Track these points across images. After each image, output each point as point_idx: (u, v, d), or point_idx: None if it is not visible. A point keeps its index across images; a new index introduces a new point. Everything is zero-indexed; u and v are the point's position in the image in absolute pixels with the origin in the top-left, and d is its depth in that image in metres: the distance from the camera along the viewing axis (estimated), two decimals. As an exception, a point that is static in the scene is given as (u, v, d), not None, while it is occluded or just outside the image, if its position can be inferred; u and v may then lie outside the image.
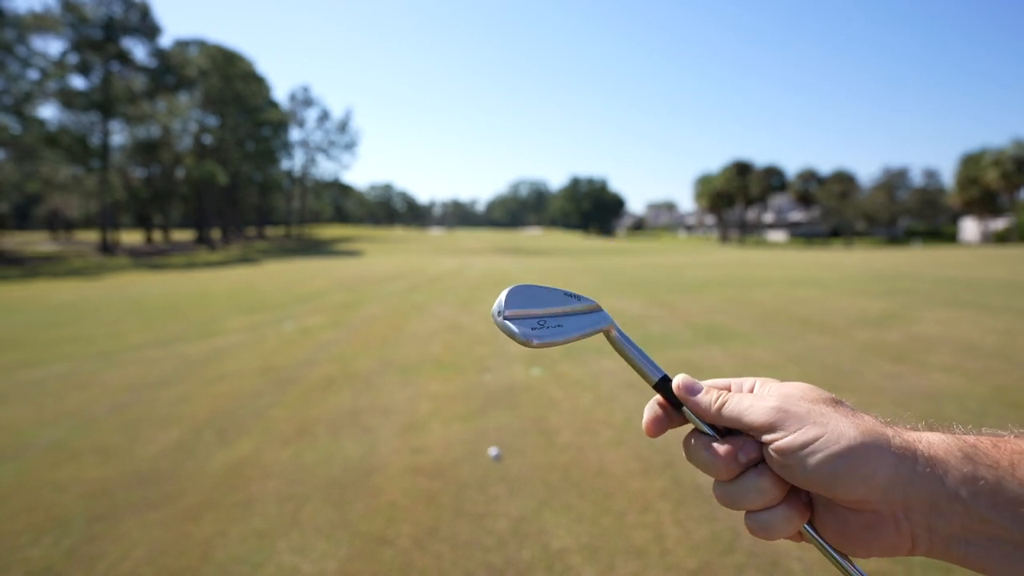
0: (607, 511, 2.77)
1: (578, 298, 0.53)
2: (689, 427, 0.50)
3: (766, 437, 0.43)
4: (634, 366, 0.51)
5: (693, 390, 0.48)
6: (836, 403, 0.44)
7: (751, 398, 0.46)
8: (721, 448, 0.46)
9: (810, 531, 0.44)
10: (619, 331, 0.51)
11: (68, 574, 2.37)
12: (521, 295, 0.50)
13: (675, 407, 0.50)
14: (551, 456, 3.45)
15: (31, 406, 4.80)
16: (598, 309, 0.53)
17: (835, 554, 0.43)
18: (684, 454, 0.49)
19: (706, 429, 0.48)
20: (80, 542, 2.60)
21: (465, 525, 2.67)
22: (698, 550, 2.42)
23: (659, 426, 0.50)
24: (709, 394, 0.48)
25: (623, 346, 0.51)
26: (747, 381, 0.50)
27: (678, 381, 0.49)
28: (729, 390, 0.49)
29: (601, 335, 0.52)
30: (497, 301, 0.50)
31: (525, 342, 0.48)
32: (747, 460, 0.45)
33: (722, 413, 0.46)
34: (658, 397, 0.51)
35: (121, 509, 2.91)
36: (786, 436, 0.42)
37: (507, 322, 0.49)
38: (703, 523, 2.62)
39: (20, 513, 2.89)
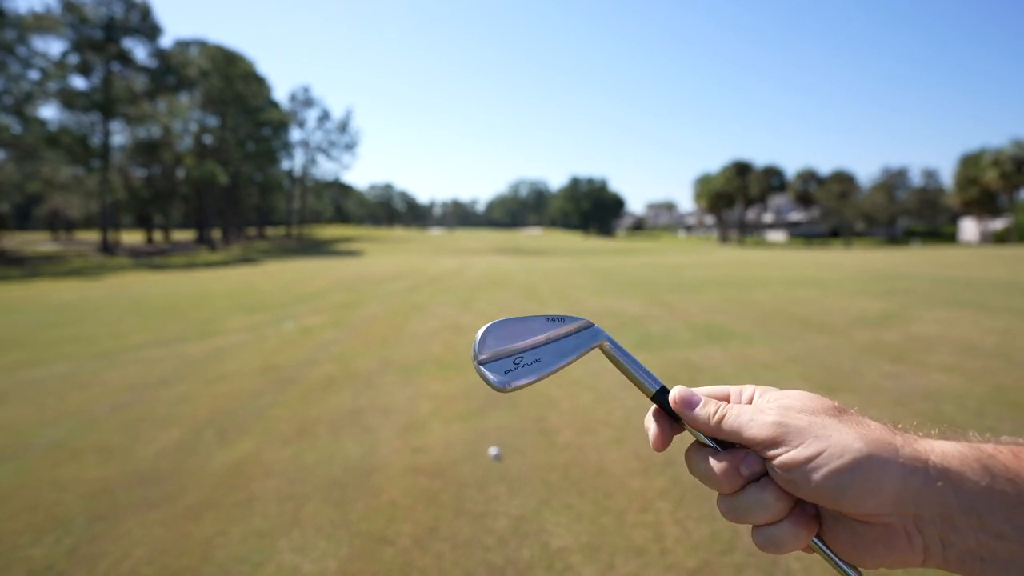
0: (607, 510, 2.78)
1: (562, 320, 0.51)
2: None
3: (768, 452, 0.42)
4: (630, 378, 0.50)
5: (690, 404, 0.47)
6: (840, 412, 0.43)
7: (750, 411, 0.44)
8: (722, 462, 0.45)
9: (819, 544, 0.44)
10: (613, 344, 0.50)
11: (69, 573, 2.37)
12: (497, 333, 0.49)
13: (674, 418, 0.49)
14: (551, 456, 3.45)
15: (32, 406, 4.81)
16: (587, 327, 0.52)
17: (845, 567, 0.43)
18: (687, 467, 0.48)
19: (707, 441, 0.47)
20: (81, 541, 2.61)
21: (465, 524, 2.68)
22: (697, 549, 2.42)
23: (664, 438, 0.49)
24: (707, 407, 0.46)
25: (618, 358, 0.50)
26: (746, 390, 0.48)
27: (674, 395, 0.48)
28: (728, 399, 0.48)
29: (596, 350, 0.51)
30: (474, 343, 0.48)
31: (500, 389, 0.47)
32: (749, 473, 0.44)
33: (721, 427, 0.45)
34: (656, 407, 0.50)
35: (122, 508, 2.91)
36: (788, 451, 0.41)
37: (481, 368, 0.48)
38: (703, 522, 2.63)
39: (21, 512, 2.90)
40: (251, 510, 2.86)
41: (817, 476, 0.39)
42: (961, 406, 4.15)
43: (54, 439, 3.96)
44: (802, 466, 0.40)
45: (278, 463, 3.44)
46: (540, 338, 0.50)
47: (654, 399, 0.49)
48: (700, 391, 0.49)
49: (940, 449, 0.39)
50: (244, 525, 2.71)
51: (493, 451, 3.50)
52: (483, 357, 0.48)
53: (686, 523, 2.63)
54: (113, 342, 7.66)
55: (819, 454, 0.39)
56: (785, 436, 0.41)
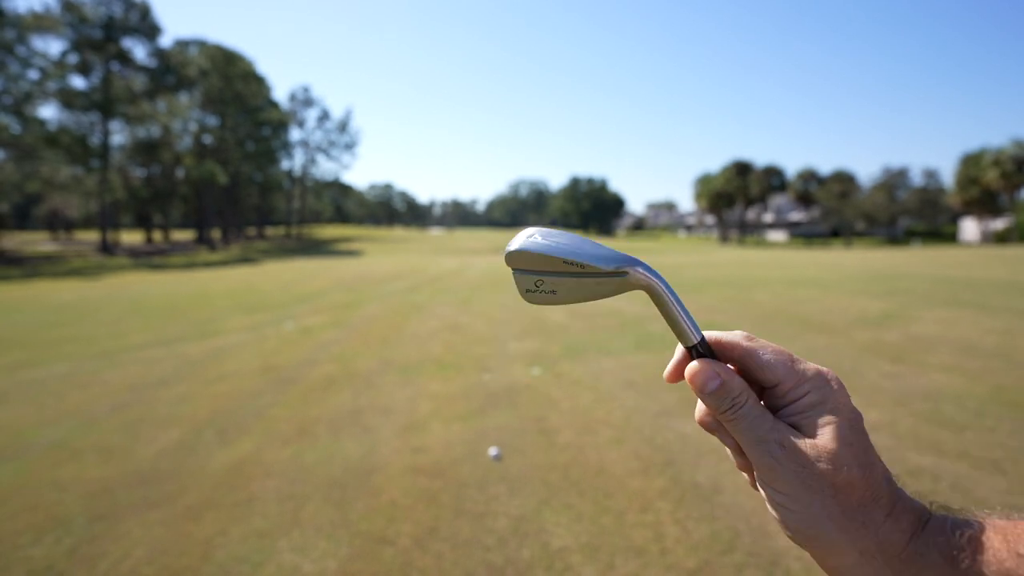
0: (607, 510, 2.78)
1: (581, 266, 0.48)
2: None
3: (757, 474, 0.44)
4: (672, 324, 0.48)
5: (703, 387, 0.44)
6: (854, 485, 0.40)
7: (763, 431, 0.42)
8: (706, 420, 0.47)
9: None
10: (664, 287, 0.48)
11: (69, 573, 2.37)
12: (527, 253, 0.48)
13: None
14: (551, 455, 3.45)
15: (32, 406, 4.80)
16: (617, 274, 0.48)
17: None
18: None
19: None
20: (81, 541, 2.61)
21: (465, 524, 2.68)
22: (697, 549, 2.42)
23: (676, 375, 0.49)
24: (719, 398, 0.44)
25: (664, 303, 0.47)
26: (805, 379, 0.43)
27: (689, 372, 0.45)
28: (788, 367, 0.44)
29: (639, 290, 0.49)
30: (510, 245, 0.49)
31: (523, 296, 0.50)
32: (731, 447, 0.46)
33: (732, 425, 0.44)
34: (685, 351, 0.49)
35: (122, 508, 2.91)
36: (767, 487, 0.42)
37: (513, 273, 0.50)
38: (702, 522, 2.63)
39: (21, 512, 2.90)
40: (251, 510, 2.86)
41: (780, 516, 0.42)
42: (961, 406, 4.15)
43: (54, 439, 3.96)
44: (773, 503, 0.42)
45: (278, 463, 3.43)
46: (561, 268, 0.49)
47: (689, 350, 0.48)
48: (759, 351, 0.45)
49: (927, 549, 0.39)
50: (244, 525, 2.71)
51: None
52: (514, 266, 0.50)
53: (686, 523, 2.63)
54: (113, 342, 7.65)
55: (790, 510, 0.41)
56: (772, 477, 0.41)
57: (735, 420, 0.43)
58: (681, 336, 0.47)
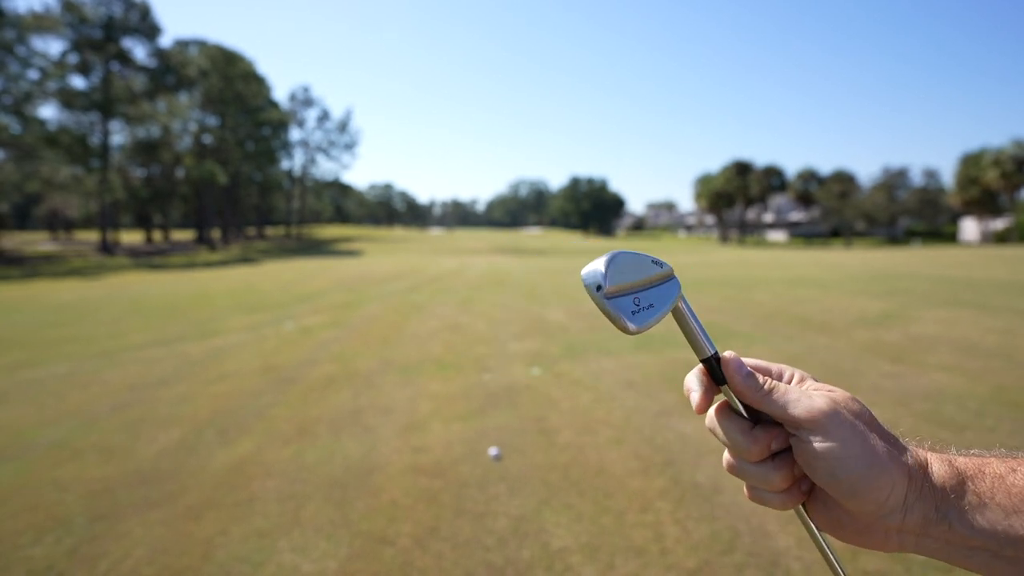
0: (607, 510, 2.78)
1: (660, 264, 0.48)
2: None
3: (806, 435, 0.44)
4: (691, 338, 0.49)
5: (742, 370, 0.48)
6: (870, 421, 0.45)
7: (798, 391, 0.46)
8: (756, 434, 0.47)
9: (802, 512, 0.48)
10: (684, 302, 0.49)
11: (70, 573, 2.38)
12: (620, 266, 0.46)
13: (716, 383, 0.49)
14: (551, 455, 3.46)
15: (32, 406, 4.81)
16: (671, 277, 0.49)
17: (818, 534, 0.48)
18: (707, 425, 0.50)
19: (740, 408, 0.48)
20: (82, 541, 2.61)
21: (465, 524, 2.68)
22: (697, 549, 2.43)
23: (707, 402, 0.50)
24: (757, 377, 0.48)
25: (685, 317, 0.49)
26: (787, 370, 0.50)
27: (728, 356, 0.48)
28: (770, 375, 0.50)
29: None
30: (594, 272, 0.45)
31: (634, 331, 0.45)
32: (777, 449, 0.47)
33: (769, 398, 0.46)
34: (700, 369, 0.50)
35: (123, 508, 2.92)
36: (826, 442, 0.43)
37: (608, 303, 0.45)
38: (703, 522, 2.63)
39: (22, 512, 2.90)
40: (251, 510, 2.86)
41: (841, 473, 0.42)
42: (961, 406, 4.15)
43: (54, 439, 3.96)
44: (832, 459, 0.42)
45: (278, 463, 3.44)
46: (647, 278, 0.47)
47: (705, 362, 0.50)
48: (746, 363, 0.50)
49: (934, 469, 0.43)
50: (245, 525, 2.71)
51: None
52: (610, 289, 0.45)
53: (686, 523, 2.63)
54: (113, 342, 7.65)
55: (852, 455, 0.42)
56: (828, 427, 0.43)
57: (772, 391, 0.46)
58: (698, 348, 0.49)
